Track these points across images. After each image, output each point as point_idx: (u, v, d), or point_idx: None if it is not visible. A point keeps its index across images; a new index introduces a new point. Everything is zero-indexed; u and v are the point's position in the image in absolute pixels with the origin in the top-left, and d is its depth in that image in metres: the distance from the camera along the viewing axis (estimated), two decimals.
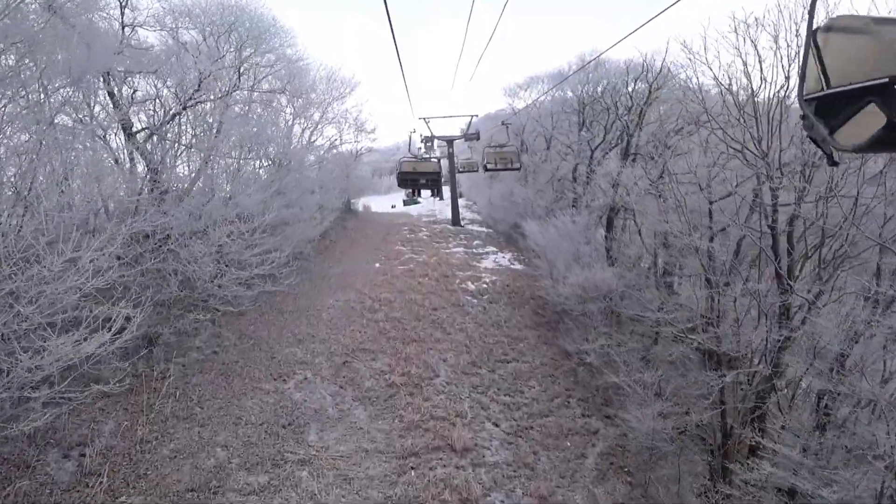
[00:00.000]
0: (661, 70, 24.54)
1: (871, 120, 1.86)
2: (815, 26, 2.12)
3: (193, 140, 16.27)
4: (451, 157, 36.84)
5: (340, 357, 14.76)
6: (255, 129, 16.82)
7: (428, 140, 34.91)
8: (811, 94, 2.14)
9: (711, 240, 13.94)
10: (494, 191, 43.32)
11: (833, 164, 2.42)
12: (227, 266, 13.03)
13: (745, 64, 12.89)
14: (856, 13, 2.78)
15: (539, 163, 35.88)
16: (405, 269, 23.42)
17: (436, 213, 45.73)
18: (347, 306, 18.13)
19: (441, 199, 65.47)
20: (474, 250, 30.58)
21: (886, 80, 1.79)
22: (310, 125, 31.33)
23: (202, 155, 15.19)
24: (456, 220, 36.60)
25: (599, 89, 30.24)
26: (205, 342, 14.18)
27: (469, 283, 23.04)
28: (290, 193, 19.21)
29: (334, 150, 34.62)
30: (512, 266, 28.55)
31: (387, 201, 78.57)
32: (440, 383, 14.82)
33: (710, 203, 16.04)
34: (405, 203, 65.13)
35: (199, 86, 17.05)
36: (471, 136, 37.12)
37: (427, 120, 35.36)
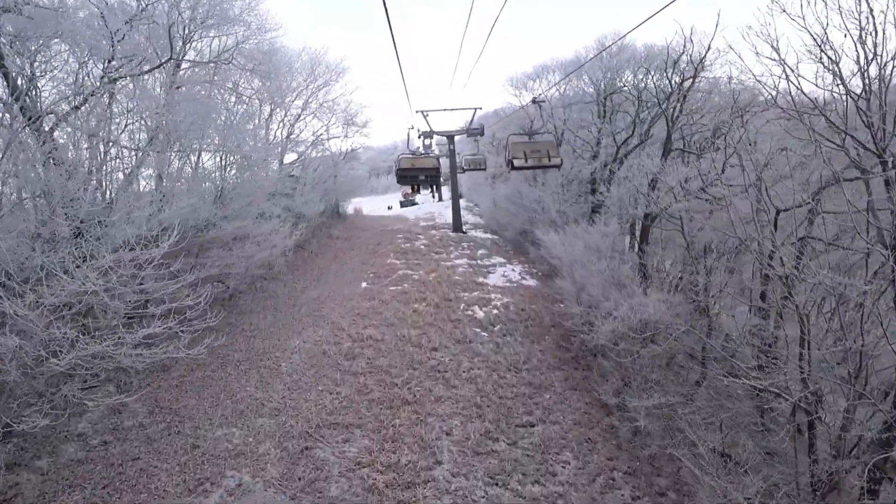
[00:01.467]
0: (709, 47, 19.70)
1: None
2: None
3: (100, 127, 11.37)
4: (452, 154, 31.96)
5: (298, 440, 9.88)
6: (185, 117, 11.84)
7: (427, 135, 30.29)
8: None
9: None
10: (499, 192, 38.40)
11: None
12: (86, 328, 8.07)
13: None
14: None
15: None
16: (398, 290, 18.55)
17: (434, 216, 40.81)
18: (318, 350, 13.26)
19: (440, 200, 60.55)
20: (479, 262, 25.74)
21: None
22: (289, 117, 26.44)
23: (98, 145, 10.30)
24: (457, 225, 31.74)
25: (629, 75, 25.44)
26: (94, 424, 9.32)
27: (476, 308, 18.19)
28: (240, 200, 14.27)
29: (322, 147, 29.74)
30: (524, 281, 23.74)
31: (383, 202, 73.44)
32: (443, 476, 10.00)
33: (778, 212, 11.77)
34: (402, 204, 60.20)
35: (113, 56, 12.17)
36: (474, 131, 32.23)
37: (426, 114, 30.68)
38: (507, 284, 22.35)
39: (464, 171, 27.52)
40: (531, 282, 24.01)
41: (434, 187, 37.99)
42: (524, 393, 13.71)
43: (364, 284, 19.03)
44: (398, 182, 20.52)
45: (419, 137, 31.14)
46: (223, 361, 12.28)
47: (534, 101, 23.50)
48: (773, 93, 10.87)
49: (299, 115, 27.36)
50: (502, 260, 27.01)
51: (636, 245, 22.65)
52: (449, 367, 13.73)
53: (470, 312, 17.64)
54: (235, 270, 14.01)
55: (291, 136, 28.05)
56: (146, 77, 13.72)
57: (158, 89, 13.79)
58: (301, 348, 13.30)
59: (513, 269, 25.69)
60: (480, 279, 22.28)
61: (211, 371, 11.78)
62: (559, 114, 31.92)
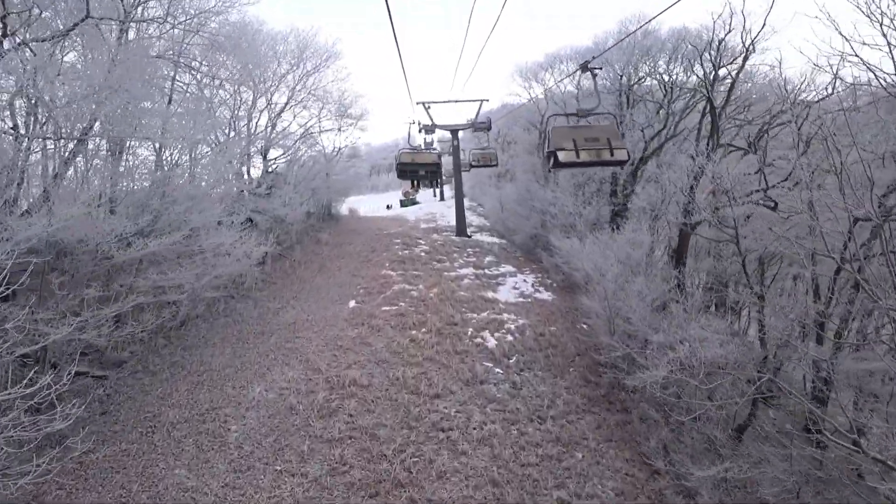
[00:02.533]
0: (764, 23, 16.25)
1: None
2: None
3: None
4: (455, 150, 28.53)
5: None
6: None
7: (428, 129, 26.83)
8: None
9: None
10: (505, 192, 34.97)
11: None
12: None
13: None
14: None
15: None
16: (393, 311, 15.19)
17: (436, 216, 37.41)
18: (283, 405, 9.90)
19: (442, 199, 57.13)
20: (487, 271, 22.38)
21: None
22: (272, 106, 23.03)
23: None
24: (461, 228, 28.33)
25: (658, 63, 21.99)
26: None
27: (487, 333, 14.84)
28: (178, 206, 10.81)
29: (312, 142, 26.30)
30: (538, 295, 20.40)
31: (383, 200, 69.88)
32: None
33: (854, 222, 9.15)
34: (402, 204, 56.76)
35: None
36: (480, 125, 28.77)
37: (427, 106, 27.28)
38: (521, 300, 18.99)
39: (471, 167, 24.16)
40: (546, 295, 20.68)
41: (435, 182, 34.92)
42: (552, 455, 10.41)
43: (352, 303, 15.68)
44: (398, 177, 19.28)
45: (420, 132, 27.82)
46: (152, 425, 8.93)
47: (585, 68, 20.20)
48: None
49: (286, 105, 23.97)
50: (512, 269, 23.64)
51: (669, 255, 19.34)
52: (456, 423, 10.38)
53: (479, 340, 14.29)
54: (183, 293, 10.65)
55: (276, 129, 24.69)
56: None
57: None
58: (261, 401, 9.94)
59: (525, 280, 22.34)
60: (489, 294, 18.92)
61: (130, 443, 8.43)
62: (573, 105, 28.55)
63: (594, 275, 15.95)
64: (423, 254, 22.44)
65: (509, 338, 14.94)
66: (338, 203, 30.45)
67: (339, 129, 28.55)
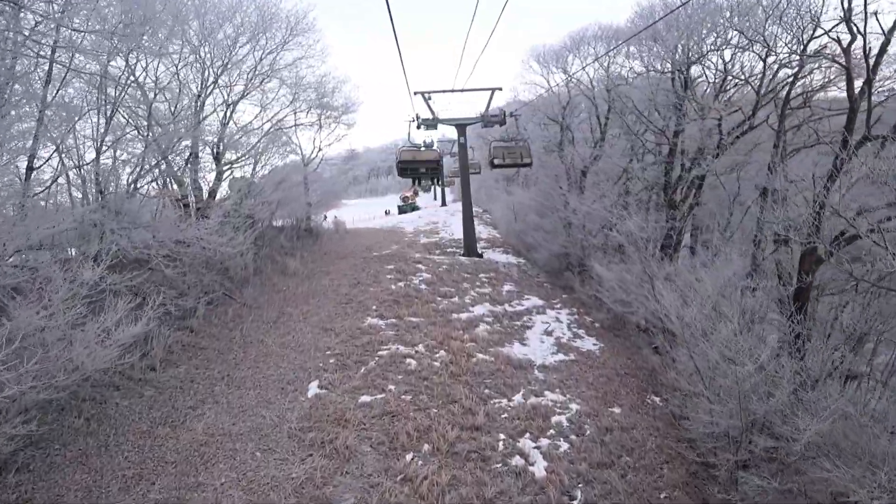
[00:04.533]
0: None
1: None
2: None
3: None
4: (462, 148, 22.60)
5: None
6: None
7: (429, 123, 20.98)
8: None
9: None
10: (519, 198, 28.98)
11: None
12: None
13: None
14: None
15: (588, 159, 21.68)
16: (377, 405, 9.19)
17: (438, 227, 31.42)
18: None
19: (444, 204, 51.14)
20: (508, 307, 16.50)
21: None
22: (223, 91, 17.10)
23: None
24: (471, 246, 22.33)
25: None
26: None
27: (528, 443, 8.86)
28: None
29: (284, 140, 20.32)
30: (580, 342, 14.63)
31: (381, 205, 63.85)
32: None
33: None
34: (400, 209, 50.79)
35: None
36: (492, 118, 22.89)
37: (427, 96, 21.54)
38: (561, 357, 13.14)
39: (494, 166, 18.54)
40: (590, 342, 14.91)
41: (435, 180, 29.66)
42: None
43: (314, 389, 9.70)
44: (399, 175, 19.32)
45: (419, 128, 22.09)
46: None
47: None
48: None
49: (244, 92, 18.01)
50: (538, 301, 17.76)
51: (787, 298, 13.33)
52: None
53: (519, 461, 8.33)
54: None
55: (234, 121, 18.75)
56: None
57: None
58: None
59: (558, 319, 16.49)
60: (518, 350, 13.03)
61: None
62: (602, 96, 22.67)
63: (681, 330, 10.06)
64: (423, 286, 16.46)
65: (563, 446, 8.99)
66: (319, 214, 24.43)
67: (320, 125, 22.61)
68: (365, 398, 9.44)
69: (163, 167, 14.99)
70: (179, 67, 15.99)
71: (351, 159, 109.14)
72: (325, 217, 23.73)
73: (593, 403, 10.81)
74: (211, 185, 17.59)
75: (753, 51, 14.57)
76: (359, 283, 15.81)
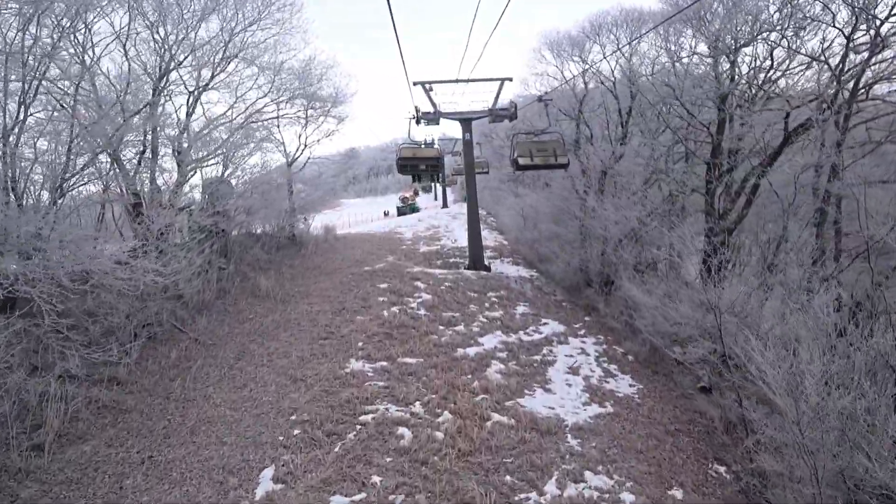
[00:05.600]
0: None
1: None
2: None
3: None
4: (468, 146, 19.69)
5: None
6: None
7: (430, 118, 18.19)
8: None
9: None
10: (529, 201, 26.00)
11: None
12: None
13: None
14: None
15: (609, 159, 18.68)
16: None
17: (440, 232, 28.46)
18: None
19: (445, 205, 48.16)
20: (524, 336, 13.63)
21: None
22: (193, 76, 14.20)
23: None
24: (477, 258, 19.35)
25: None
26: None
27: None
28: None
29: (260, 136, 17.38)
30: (614, 385, 11.76)
31: (380, 205, 60.87)
32: None
33: None
34: (399, 211, 47.83)
35: None
36: (501, 112, 19.94)
37: (428, 87, 18.70)
38: (595, 409, 10.29)
39: (519, 166, 15.40)
40: (626, 382, 12.10)
41: (436, 178, 27.20)
42: None
43: (264, 488, 6.74)
44: (399, 171, 18.40)
45: (418, 122, 19.35)
46: None
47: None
48: None
49: (212, 77, 15.05)
50: (559, 326, 14.90)
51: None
52: None
53: None
54: None
55: (206, 115, 15.86)
56: None
57: None
58: None
59: (584, 351, 13.65)
60: (542, 403, 10.12)
61: None
62: (624, 92, 19.87)
63: (793, 408, 7.14)
64: (422, 311, 13.51)
65: None
66: (307, 220, 21.44)
67: (305, 119, 19.61)
68: (338, 501, 6.51)
69: (103, 164, 12.11)
70: (129, 46, 13.09)
71: (350, 158, 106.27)
72: (307, 219, 20.73)
73: (649, 487, 7.89)
74: (172, 188, 14.65)
75: (835, 25, 11.58)
76: (344, 308, 12.85)
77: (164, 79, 13.85)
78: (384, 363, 10.27)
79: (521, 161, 14.67)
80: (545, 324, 14.95)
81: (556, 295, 17.99)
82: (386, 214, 49.86)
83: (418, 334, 12.00)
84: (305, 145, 19.96)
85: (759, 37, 13.82)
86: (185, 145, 14.78)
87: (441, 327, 12.84)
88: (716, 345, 10.59)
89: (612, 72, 20.09)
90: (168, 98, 14.36)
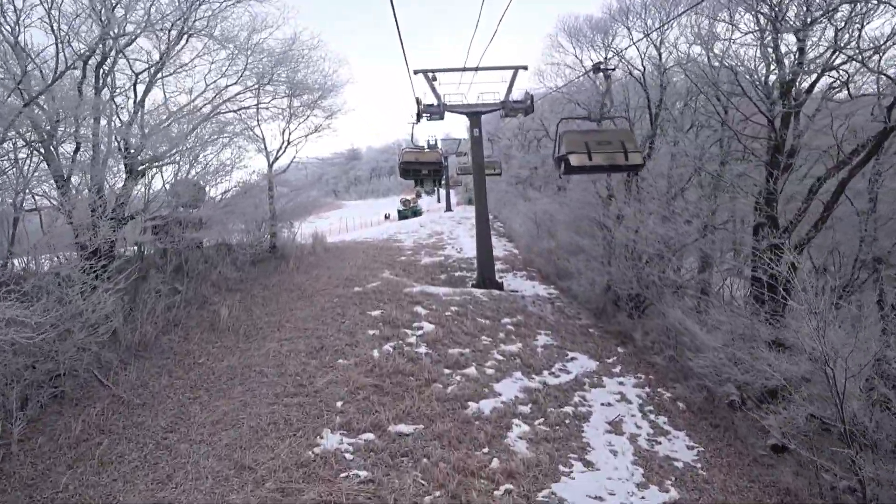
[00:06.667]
0: None
1: None
2: None
3: None
4: (476, 143, 16.89)
5: None
6: None
7: (433, 111, 15.40)
8: None
9: None
10: (542, 205, 23.14)
11: None
12: None
13: None
14: None
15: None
16: None
17: (444, 240, 25.60)
18: None
19: (448, 209, 45.23)
20: (549, 377, 10.79)
21: None
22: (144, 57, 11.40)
23: None
24: (488, 276, 16.46)
25: None
26: None
27: None
28: None
29: (230, 131, 14.59)
30: (666, 445, 8.86)
31: (381, 207, 58.00)
32: None
33: None
34: (401, 214, 44.95)
35: None
36: (516, 105, 17.15)
37: (431, 76, 16.06)
38: (658, 499, 7.32)
39: (570, 169, 11.19)
40: (682, 442, 9.21)
41: (437, 182, 24.95)
42: None
43: None
44: (401, 176, 17.74)
45: (419, 117, 16.79)
46: None
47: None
48: None
49: (161, 63, 12.23)
50: (590, 364, 12.14)
51: None
52: None
53: None
54: None
55: (167, 106, 13.08)
56: None
57: None
58: None
59: (623, 396, 10.85)
60: (583, 489, 7.27)
61: None
62: (652, 79, 17.16)
63: None
64: (422, 350, 10.65)
65: None
66: (294, 226, 18.59)
67: (289, 113, 16.77)
68: None
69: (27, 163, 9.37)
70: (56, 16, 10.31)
71: (352, 159, 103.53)
72: (292, 226, 17.96)
73: None
74: (118, 191, 11.86)
75: None
76: (322, 347, 10.00)
77: (104, 58, 11.06)
78: (369, 435, 7.42)
79: (574, 160, 10.42)
80: (572, 359, 12.14)
81: (580, 318, 15.13)
82: (387, 217, 47.11)
83: (417, 384, 9.16)
84: (289, 142, 17.17)
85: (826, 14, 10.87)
86: (138, 141, 12.00)
87: (447, 371, 10.00)
88: (819, 408, 7.74)
89: (643, 59, 17.33)
90: (107, 81, 11.54)
